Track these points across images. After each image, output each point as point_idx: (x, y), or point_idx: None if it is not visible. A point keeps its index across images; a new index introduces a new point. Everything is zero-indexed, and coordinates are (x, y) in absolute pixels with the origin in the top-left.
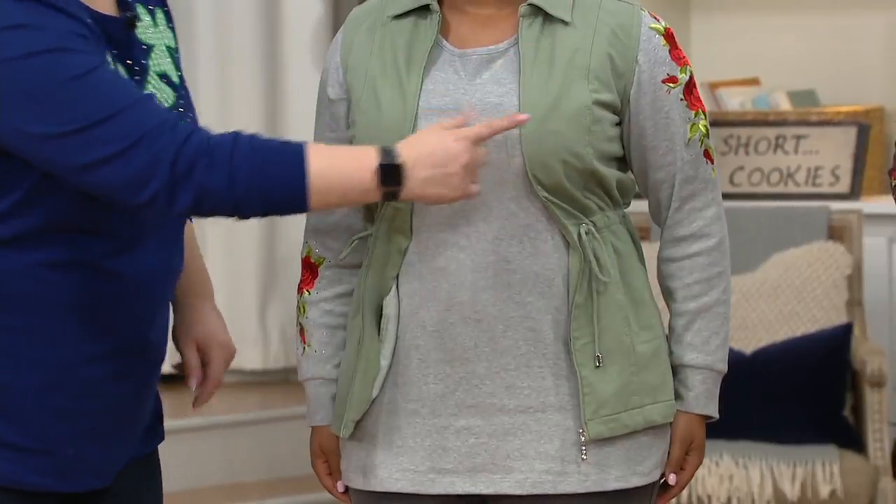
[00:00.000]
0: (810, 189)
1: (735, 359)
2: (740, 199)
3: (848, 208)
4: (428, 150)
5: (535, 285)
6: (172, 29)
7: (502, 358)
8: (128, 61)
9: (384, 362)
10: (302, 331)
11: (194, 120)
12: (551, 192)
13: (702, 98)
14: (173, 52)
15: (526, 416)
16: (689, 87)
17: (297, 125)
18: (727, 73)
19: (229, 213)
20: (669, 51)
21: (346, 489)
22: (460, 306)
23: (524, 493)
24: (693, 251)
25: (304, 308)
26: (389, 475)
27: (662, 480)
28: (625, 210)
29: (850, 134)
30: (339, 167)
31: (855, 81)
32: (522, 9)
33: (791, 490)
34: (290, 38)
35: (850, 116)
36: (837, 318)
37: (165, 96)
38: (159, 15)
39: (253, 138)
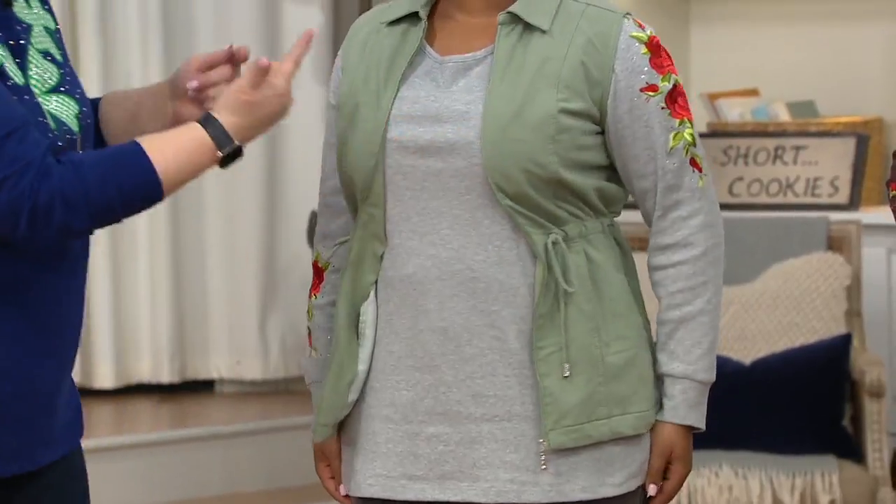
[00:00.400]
0: (809, 200)
1: (734, 369)
2: (739, 209)
3: (847, 219)
4: (256, 119)
5: (500, 294)
6: (49, 10)
7: (468, 366)
8: (10, 42)
9: (362, 367)
10: (309, 334)
11: (83, 94)
12: (514, 200)
13: (690, 107)
14: (52, 33)
15: (492, 425)
16: (673, 95)
17: (297, 136)
18: (726, 83)
19: (94, 229)
20: (650, 59)
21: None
22: (428, 314)
23: (489, 501)
24: (677, 260)
25: (310, 312)
26: (364, 480)
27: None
28: (613, 219)
29: (849, 145)
30: (178, 155)
31: (854, 92)
32: (501, 17)
33: (790, 500)
34: (290, 49)
35: (849, 127)
36: (836, 329)
37: (50, 74)
38: None
39: (92, 159)
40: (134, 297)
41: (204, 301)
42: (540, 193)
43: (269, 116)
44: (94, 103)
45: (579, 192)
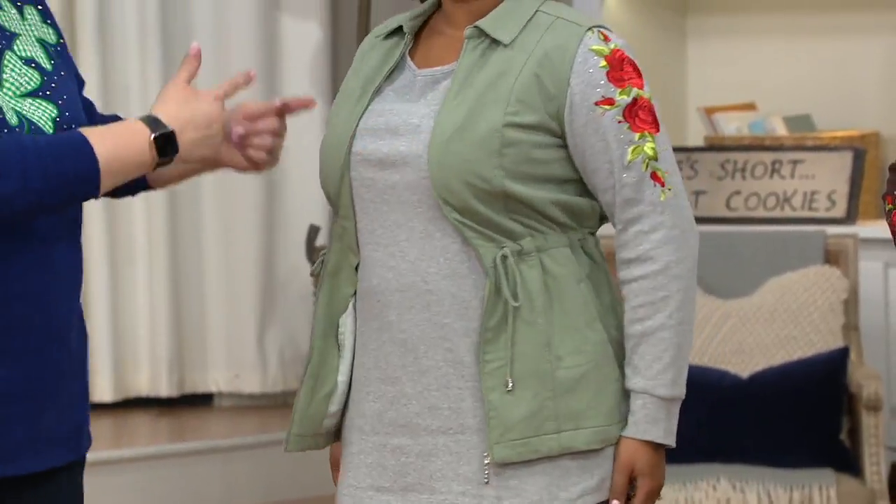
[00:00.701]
0: (807, 213)
1: (732, 382)
2: (737, 223)
3: (844, 233)
4: (188, 115)
5: (453, 307)
6: (53, 25)
7: (425, 378)
8: None
9: (342, 378)
10: None
11: (69, 101)
12: (462, 213)
13: (659, 121)
14: (47, 45)
15: (446, 437)
16: (633, 109)
17: (295, 150)
18: (724, 98)
19: (30, 211)
20: (607, 72)
21: None
22: (389, 326)
23: None
24: (638, 274)
25: None
26: (340, 490)
27: None
28: (586, 233)
29: (847, 159)
30: (119, 148)
31: (851, 106)
32: (467, 31)
33: None
34: (289, 64)
35: (846, 141)
36: (834, 343)
37: (28, 78)
38: (30, 11)
39: (37, 138)
40: (132, 311)
41: (202, 315)
42: (489, 207)
43: (204, 114)
44: (109, 118)
45: (535, 205)
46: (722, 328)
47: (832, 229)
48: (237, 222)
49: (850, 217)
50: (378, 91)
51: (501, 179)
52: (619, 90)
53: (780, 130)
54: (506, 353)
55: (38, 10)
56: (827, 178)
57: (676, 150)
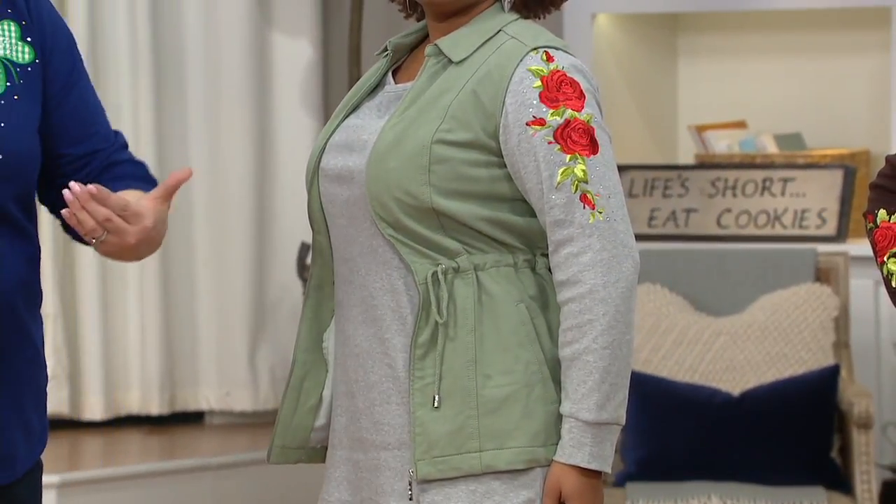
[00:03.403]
0: (797, 231)
1: (723, 400)
2: (728, 241)
3: (835, 251)
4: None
5: (393, 322)
6: (31, 44)
7: (371, 393)
8: None
9: (327, 392)
10: None
11: (9, 126)
12: (395, 229)
13: (595, 142)
14: (11, 64)
15: (388, 453)
16: (565, 130)
17: (287, 169)
18: (714, 116)
19: None
20: (541, 93)
21: None
22: (347, 340)
23: None
24: (567, 297)
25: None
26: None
27: None
28: (537, 254)
29: (837, 177)
30: None
31: (841, 125)
32: (428, 49)
33: None
34: (280, 82)
35: (837, 159)
36: (825, 360)
37: None
38: (7, 26)
39: None
40: (123, 329)
41: (193, 333)
42: (420, 223)
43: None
44: (137, 166)
45: (465, 222)
46: (713, 346)
47: (823, 247)
48: (228, 240)
49: (841, 235)
50: (356, 107)
51: (430, 195)
52: (551, 111)
53: (771, 148)
54: (434, 371)
55: (21, 25)
56: (817, 196)
57: (667, 167)
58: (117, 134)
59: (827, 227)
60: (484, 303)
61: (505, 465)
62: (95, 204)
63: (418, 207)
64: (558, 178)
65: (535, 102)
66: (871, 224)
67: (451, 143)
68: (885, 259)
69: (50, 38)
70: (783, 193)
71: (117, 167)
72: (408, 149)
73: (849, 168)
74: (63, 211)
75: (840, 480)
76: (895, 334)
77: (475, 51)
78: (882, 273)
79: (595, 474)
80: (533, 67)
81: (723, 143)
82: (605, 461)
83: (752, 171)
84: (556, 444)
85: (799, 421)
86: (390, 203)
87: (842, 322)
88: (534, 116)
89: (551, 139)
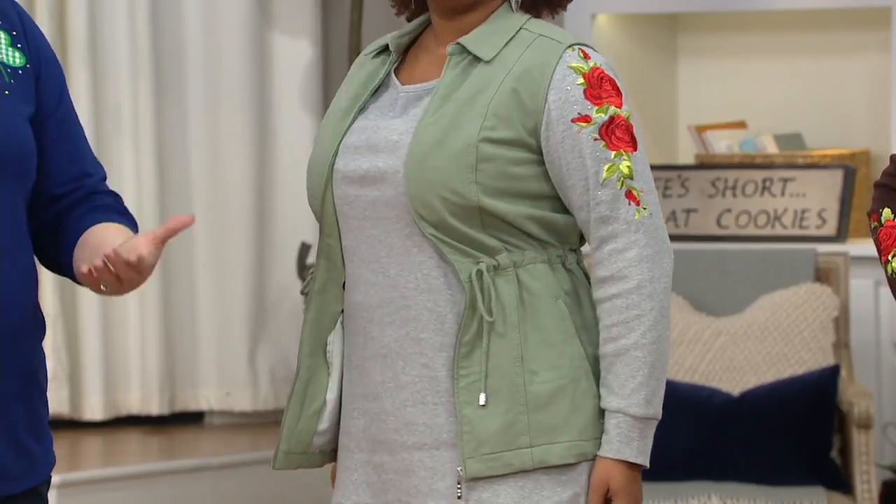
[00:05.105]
0: (797, 231)
1: (723, 400)
2: (728, 241)
3: (835, 251)
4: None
5: (430, 322)
6: (22, 49)
7: (402, 393)
8: None
9: (331, 395)
10: None
11: None
12: (437, 229)
13: (635, 139)
14: (2, 67)
15: (422, 453)
16: (610, 127)
17: (288, 169)
18: (714, 116)
19: None
20: (585, 90)
21: None
22: (372, 342)
23: None
24: (612, 293)
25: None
26: None
27: None
28: (568, 249)
29: (837, 177)
30: None
31: (841, 125)
32: (450, 48)
33: None
34: (281, 82)
35: (837, 159)
36: (825, 360)
37: None
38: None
39: None
40: (123, 329)
41: (193, 333)
42: (464, 222)
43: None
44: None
45: (510, 221)
46: (713, 346)
47: (823, 247)
48: (228, 240)
49: (841, 235)
50: (362, 108)
51: (476, 195)
52: (596, 108)
53: (771, 148)
54: (480, 368)
55: (11, 35)
56: (817, 196)
57: (667, 168)
58: (100, 165)
59: (827, 228)
60: (525, 300)
61: (558, 459)
62: (124, 266)
63: (464, 206)
64: (604, 174)
65: (579, 99)
66: (876, 223)
67: (497, 141)
68: (889, 258)
69: (44, 64)
70: (783, 193)
71: (98, 197)
72: (452, 148)
73: (849, 168)
74: (83, 269)
75: (840, 480)
76: (895, 334)
77: (502, 49)
78: (886, 271)
79: (638, 468)
80: (573, 65)
81: (723, 144)
82: (648, 456)
83: (752, 172)
84: (600, 439)
85: (799, 421)
86: (435, 202)
87: (842, 322)
88: (579, 113)
89: (597, 136)
